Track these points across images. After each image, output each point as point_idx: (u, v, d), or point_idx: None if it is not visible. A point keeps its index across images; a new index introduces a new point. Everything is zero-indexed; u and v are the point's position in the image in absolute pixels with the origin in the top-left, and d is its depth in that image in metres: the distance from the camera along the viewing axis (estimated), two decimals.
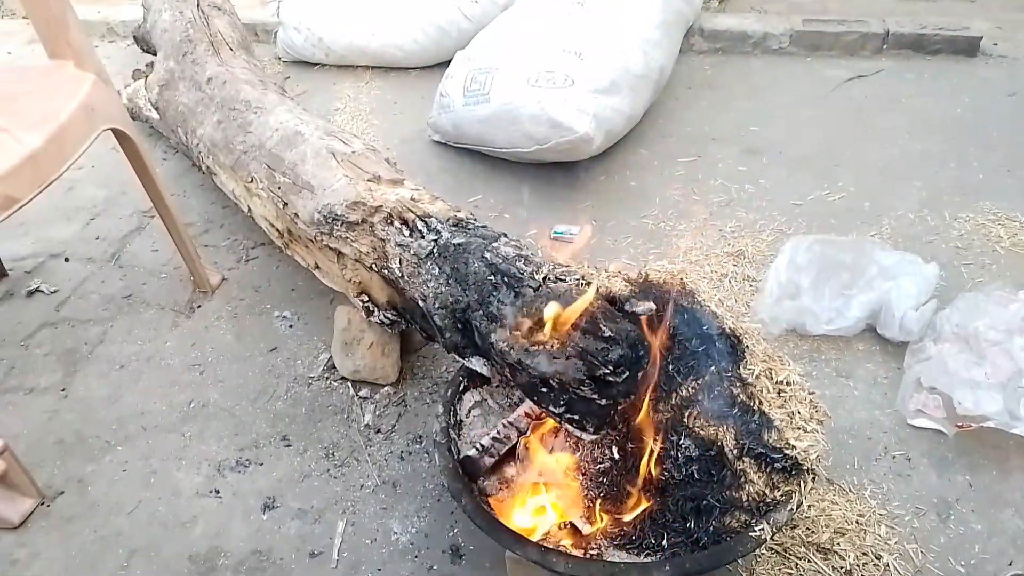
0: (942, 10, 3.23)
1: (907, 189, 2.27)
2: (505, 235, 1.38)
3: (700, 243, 2.11)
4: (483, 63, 2.28)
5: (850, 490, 1.48)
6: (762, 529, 1.08)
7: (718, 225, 2.17)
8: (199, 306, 2.03)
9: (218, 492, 1.56)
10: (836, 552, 1.35)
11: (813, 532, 1.38)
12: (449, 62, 2.53)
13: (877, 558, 1.37)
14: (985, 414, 1.51)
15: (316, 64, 3.17)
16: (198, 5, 2.58)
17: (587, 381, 1.05)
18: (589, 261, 2.16)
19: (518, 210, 2.29)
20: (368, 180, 1.55)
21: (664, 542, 1.17)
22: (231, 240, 2.26)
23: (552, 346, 1.09)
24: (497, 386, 1.45)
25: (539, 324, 1.11)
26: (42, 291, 2.10)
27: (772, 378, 1.18)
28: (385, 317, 1.56)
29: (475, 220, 1.44)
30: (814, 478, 1.12)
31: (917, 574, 1.35)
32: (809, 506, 1.42)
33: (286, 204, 1.67)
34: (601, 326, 1.05)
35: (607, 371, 1.04)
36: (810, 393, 1.20)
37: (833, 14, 3.20)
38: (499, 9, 2.85)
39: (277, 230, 1.82)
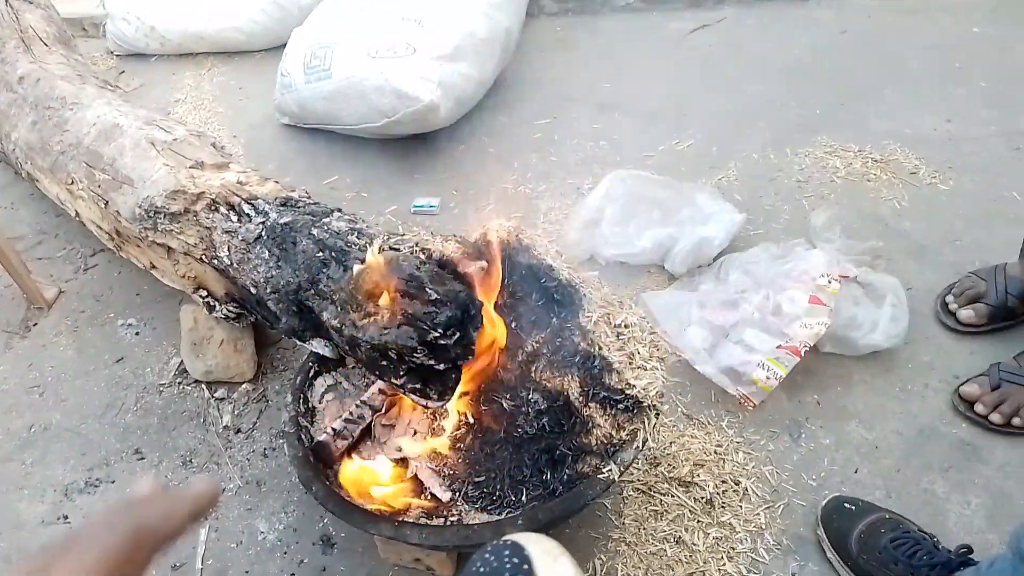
0: None
1: (752, 132, 2.35)
2: (339, 210, 1.33)
3: (560, 203, 2.12)
4: (322, 38, 2.20)
5: (708, 423, 1.52)
6: (610, 470, 1.09)
7: (575, 183, 2.18)
8: (35, 324, 1.88)
9: (67, 517, 1.45)
10: (696, 484, 1.40)
11: (674, 467, 1.42)
12: None
13: (736, 484, 1.42)
14: (681, 348, 1.59)
15: (152, 55, 2.97)
16: (6, 0, 2.37)
17: (419, 347, 1.03)
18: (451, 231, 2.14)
19: (377, 187, 2.23)
20: (190, 167, 1.46)
21: (524, 497, 1.17)
22: (67, 249, 2.10)
23: (382, 316, 1.06)
24: (353, 367, 1.41)
25: (368, 296, 1.08)
26: None
27: (610, 323, 1.20)
28: (228, 311, 1.49)
29: (307, 198, 1.38)
30: (657, 414, 1.14)
31: (773, 493, 1.42)
32: (671, 443, 1.47)
33: (107, 203, 1.56)
34: (427, 290, 1.03)
35: (437, 334, 1.02)
36: (650, 333, 1.22)
37: None
38: None
39: (106, 232, 1.69)
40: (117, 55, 3.02)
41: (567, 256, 1.88)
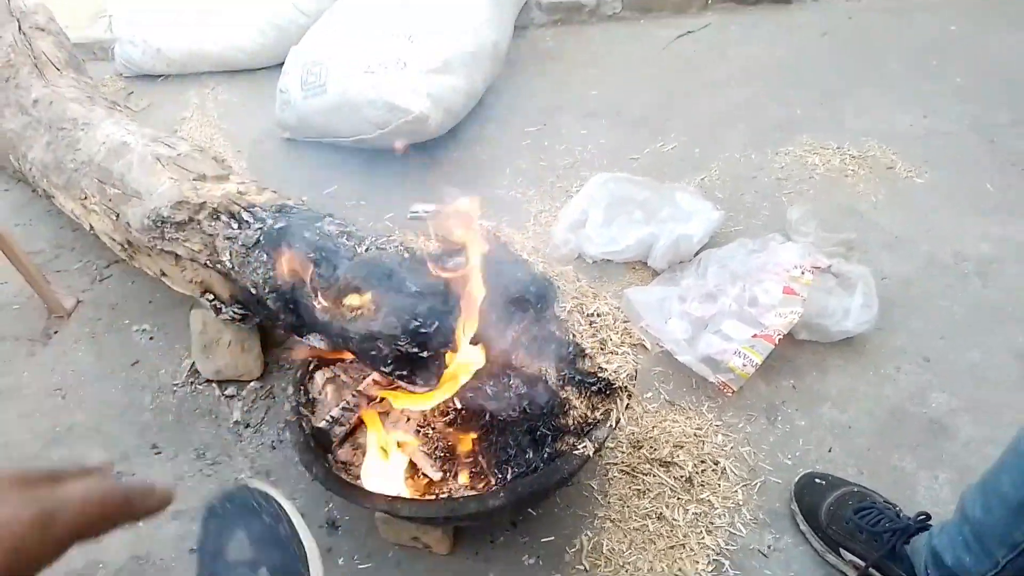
0: None
1: (733, 133, 2.44)
2: (331, 215, 1.43)
3: (549, 205, 2.21)
4: (317, 55, 2.31)
5: (689, 408, 1.61)
6: (585, 447, 1.18)
7: (564, 187, 2.28)
8: (56, 332, 1.99)
9: None
10: (676, 463, 1.48)
11: (656, 449, 1.51)
12: None
13: (715, 463, 1.50)
14: (663, 339, 1.69)
15: (159, 76, 3.10)
16: (19, 28, 2.49)
17: (402, 335, 1.12)
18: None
19: (374, 196, 2.33)
20: (194, 179, 1.57)
21: (508, 475, 1.26)
22: (83, 262, 2.21)
23: (368, 310, 1.16)
24: (351, 362, 1.51)
25: (355, 292, 1.18)
26: None
27: (584, 312, 1.29)
28: (234, 313, 1.59)
29: (302, 205, 1.48)
30: (629, 395, 1.23)
31: (750, 472, 1.50)
32: (653, 427, 1.56)
33: (118, 215, 1.67)
34: (407, 284, 1.13)
35: (418, 323, 1.11)
36: (623, 322, 1.31)
37: None
38: (333, 2, 2.86)
39: (119, 243, 1.80)
40: (126, 77, 3.15)
41: (556, 255, 1.98)
